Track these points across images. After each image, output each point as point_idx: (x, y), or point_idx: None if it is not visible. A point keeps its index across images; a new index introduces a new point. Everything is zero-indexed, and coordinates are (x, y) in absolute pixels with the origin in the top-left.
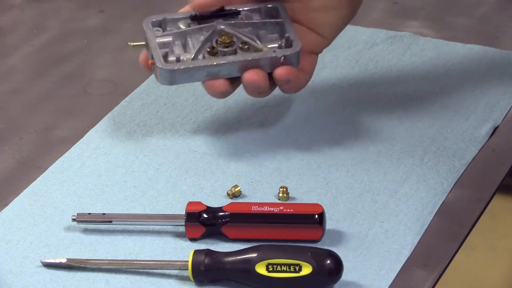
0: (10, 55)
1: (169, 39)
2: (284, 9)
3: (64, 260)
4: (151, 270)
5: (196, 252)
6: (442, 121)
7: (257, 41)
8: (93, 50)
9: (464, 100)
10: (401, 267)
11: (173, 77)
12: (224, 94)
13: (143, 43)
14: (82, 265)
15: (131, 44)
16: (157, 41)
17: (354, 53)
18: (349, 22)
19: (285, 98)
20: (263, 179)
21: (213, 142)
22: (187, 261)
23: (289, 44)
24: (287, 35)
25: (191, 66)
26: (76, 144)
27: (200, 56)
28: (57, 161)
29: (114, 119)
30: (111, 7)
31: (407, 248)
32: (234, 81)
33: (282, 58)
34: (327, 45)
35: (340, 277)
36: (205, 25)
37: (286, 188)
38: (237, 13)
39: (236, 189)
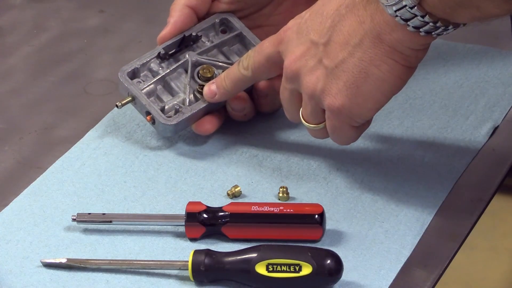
0: (10, 55)
1: (151, 86)
2: (233, 17)
3: (64, 260)
4: (151, 270)
5: (196, 252)
6: (442, 121)
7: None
8: (93, 50)
9: (464, 100)
10: (401, 267)
11: (177, 128)
12: (212, 131)
13: (129, 98)
14: (82, 265)
15: (119, 104)
16: (143, 93)
17: None
18: None
19: None
20: (263, 179)
21: (213, 142)
22: (187, 261)
23: None
24: None
25: (191, 113)
26: (76, 144)
27: (191, 96)
28: (57, 161)
29: (114, 119)
30: (111, 7)
31: (407, 248)
32: (218, 115)
33: None
34: None
35: (340, 277)
36: (179, 63)
37: (286, 188)
38: (199, 37)
39: (236, 189)
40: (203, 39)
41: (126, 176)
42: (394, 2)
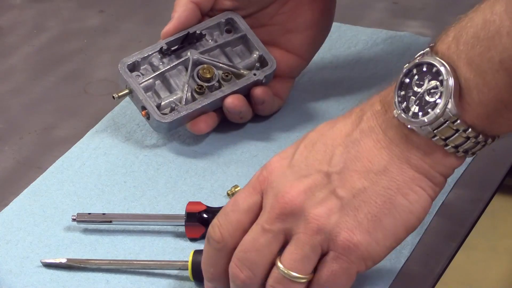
0: (10, 55)
1: (150, 81)
2: (239, 18)
3: (64, 260)
4: (151, 270)
5: (196, 252)
6: None
7: (236, 67)
8: (93, 50)
9: None
10: (401, 267)
11: (171, 126)
12: (207, 131)
13: (127, 91)
14: (82, 265)
15: (116, 95)
16: (141, 87)
17: (354, 53)
18: (323, 42)
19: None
20: None
21: (213, 142)
22: (187, 261)
23: (264, 62)
24: (259, 53)
25: (186, 112)
26: (76, 144)
27: (189, 95)
28: (57, 161)
29: (114, 119)
30: (111, 7)
31: (407, 248)
32: (213, 116)
33: (264, 79)
34: (304, 67)
35: None
36: (180, 60)
37: None
38: (202, 35)
39: (236, 189)
40: (207, 37)
41: (126, 176)
42: (430, 121)
